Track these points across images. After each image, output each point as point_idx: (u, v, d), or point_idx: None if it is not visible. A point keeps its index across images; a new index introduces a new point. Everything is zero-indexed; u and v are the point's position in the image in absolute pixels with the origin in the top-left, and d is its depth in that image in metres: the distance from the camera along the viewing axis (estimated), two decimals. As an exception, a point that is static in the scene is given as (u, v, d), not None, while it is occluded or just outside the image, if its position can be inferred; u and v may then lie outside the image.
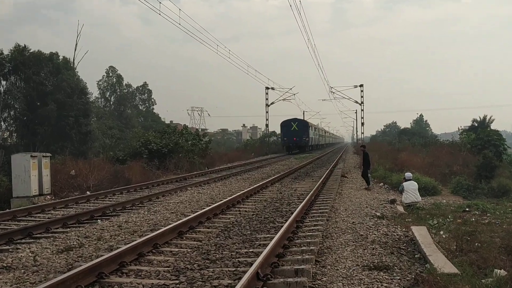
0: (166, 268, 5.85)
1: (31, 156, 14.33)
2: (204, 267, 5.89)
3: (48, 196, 14.47)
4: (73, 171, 16.74)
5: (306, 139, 46.67)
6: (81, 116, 37.78)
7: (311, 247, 6.67)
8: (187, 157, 25.13)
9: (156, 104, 72.75)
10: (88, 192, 14.73)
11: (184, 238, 7.71)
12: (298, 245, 6.97)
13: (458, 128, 48.91)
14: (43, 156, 14.86)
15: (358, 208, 11.01)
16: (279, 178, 18.15)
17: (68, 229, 8.80)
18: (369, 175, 16.76)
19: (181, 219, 8.93)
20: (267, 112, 51.68)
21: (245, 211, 10.52)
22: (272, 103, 52.14)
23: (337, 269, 5.93)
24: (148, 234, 7.31)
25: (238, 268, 5.72)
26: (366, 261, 6.25)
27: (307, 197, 11.35)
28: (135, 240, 6.98)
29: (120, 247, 6.42)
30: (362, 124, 49.61)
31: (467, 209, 12.25)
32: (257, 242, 7.21)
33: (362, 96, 48.77)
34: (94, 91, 63.08)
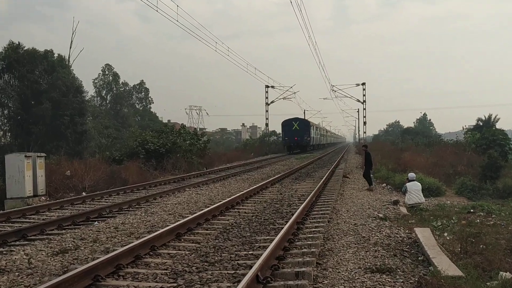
0: (163, 271, 5.85)
1: (25, 156, 14.32)
2: (202, 269, 5.89)
3: (43, 197, 14.46)
4: (69, 171, 16.73)
5: (308, 138, 46.75)
6: (77, 115, 37.75)
7: (312, 249, 6.68)
8: (185, 157, 25.14)
9: (153, 103, 72.82)
10: (83, 193, 14.73)
11: (182, 240, 7.71)
12: (299, 247, 6.98)
13: (463, 127, 49.02)
14: (37, 156, 14.85)
15: (360, 209, 11.02)
16: (279, 178, 18.15)
17: (64, 231, 8.81)
18: (371, 175, 16.77)
19: (179, 220, 8.94)
20: (267, 111, 51.77)
21: (245, 212, 10.53)
22: (272, 102, 52.23)
23: (339, 272, 5.93)
24: (145, 236, 7.31)
25: (238, 271, 5.72)
26: (369, 264, 6.25)
27: (308, 198, 11.35)
28: (132, 242, 6.97)
29: (116, 249, 6.42)
30: (364, 123, 49.66)
31: (471, 210, 12.24)
32: (257, 244, 7.22)
33: (364, 95, 48.82)
34: (89, 90, 63.30)
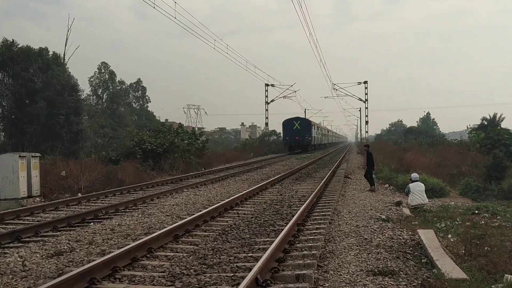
0: (161, 274, 5.85)
1: (20, 156, 14.30)
2: (200, 272, 5.89)
3: (38, 198, 14.45)
4: (64, 172, 16.72)
5: (309, 138, 46.88)
6: (72, 114, 37.75)
7: (313, 252, 6.67)
8: (183, 157, 25.14)
9: (150, 101, 72.81)
10: (79, 194, 14.72)
11: (180, 242, 7.71)
12: (299, 249, 6.98)
13: (467, 127, 49.14)
14: (32, 156, 14.84)
15: (362, 211, 11.02)
16: (279, 179, 18.16)
17: (59, 233, 8.80)
18: (373, 176, 16.78)
19: (176, 222, 8.94)
20: (266, 110, 51.71)
21: (244, 213, 10.53)
22: (272, 101, 52.15)
23: (340, 275, 5.93)
24: (142, 238, 7.31)
25: (237, 274, 5.72)
26: (371, 266, 6.25)
27: (309, 199, 11.36)
28: (129, 244, 6.97)
29: (112, 252, 6.42)
30: (366, 122, 49.56)
31: (476, 211, 12.25)
32: (256, 246, 7.22)
33: (366, 93, 48.75)
34: (85, 88, 63.07)
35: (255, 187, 14.67)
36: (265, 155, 42.09)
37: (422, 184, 13.08)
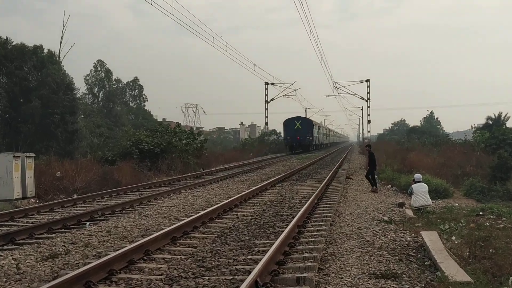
0: (158, 277, 5.85)
1: (14, 156, 14.29)
2: (199, 275, 5.89)
3: (32, 199, 14.44)
4: (59, 172, 16.71)
5: (310, 138, 47.02)
6: (67, 113, 37.74)
7: (314, 254, 6.68)
8: (181, 157, 25.14)
9: (147, 100, 72.90)
10: (74, 195, 14.72)
11: (178, 244, 7.71)
12: (300, 251, 6.98)
13: (472, 126, 49.15)
14: (26, 156, 14.82)
15: (364, 212, 11.03)
16: (279, 179, 18.17)
17: (54, 235, 8.80)
18: (375, 176, 16.78)
19: (174, 224, 8.94)
20: (266, 109, 51.88)
21: (243, 215, 10.53)
22: (272, 100, 52.32)
23: (342, 277, 5.93)
24: (139, 240, 7.31)
25: (236, 276, 5.72)
26: (373, 269, 6.26)
27: (310, 200, 11.36)
28: (125, 246, 6.97)
29: (109, 254, 6.42)
30: (369, 121, 49.70)
31: (481, 213, 12.25)
32: (256, 249, 7.22)
33: (368, 92, 48.89)
34: (81, 87, 63.15)
35: (254, 188, 14.67)
36: (265, 155, 42.10)
37: (426, 185, 13.08)
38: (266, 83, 50.34)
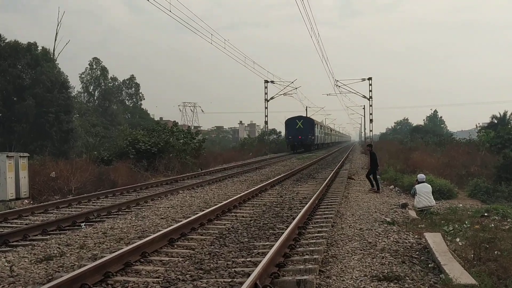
0: (155, 279, 5.85)
1: (7, 156, 14.28)
2: (197, 277, 5.89)
3: (26, 200, 14.44)
4: (54, 172, 16.71)
5: (312, 137, 47.27)
6: (62, 112, 37.72)
7: (315, 256, 6.68)
8: (179, 157, 25.14)
9: (144, 99, 72.93)
10: (69, 196, 14.72)
11: (175, 246, 7.72)
12: (300, 253, 6.98)
13: (476, 126, 49.15)
14: (20, 156, 14.81)
15: (366, 213, 11.03)
16: (279, 180, 18.17)
17: (48, 237, 8.79)
18: (378, 177, 16.79)
19: (172, 225, 8.93)
20: (266, 108, 51.85)
21: (242, 216, 10.53)
22: (271, 98, 52.29)
23: (343, 280, 5.93)
24: (135, 242, 7.30)
25: (235, 279, 5.72)
26: (375, 271, 6.26)
27: (310, 201, 11.37)
28: (122, 248, 6.98)
29: (105, 256, 6.42)
30: (371, 121, 49.73)
31: (485, 214, 12.27)
32: (256, 251, 7.22)
33: (370, 90, 48.91)
34: (76, 85, 63.16)
35: (254, 188, 14.67)
36: (265, 155, 42.12)
37: (429, 186, 13.09)
38: (266, 81, 50.33)
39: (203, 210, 10.56)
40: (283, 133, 59.54)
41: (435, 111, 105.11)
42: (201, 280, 5.77)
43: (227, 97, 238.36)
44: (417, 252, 7.31)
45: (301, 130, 46.69)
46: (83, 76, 64.91)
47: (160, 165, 22.89)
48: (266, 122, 53.72)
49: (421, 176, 13.47)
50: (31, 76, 37.82)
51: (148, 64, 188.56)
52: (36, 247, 7.88)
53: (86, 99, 64.82)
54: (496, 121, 44.28)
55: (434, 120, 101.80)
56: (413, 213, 11.69)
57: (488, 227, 10.08)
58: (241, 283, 5.21)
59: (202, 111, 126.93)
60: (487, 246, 7.83)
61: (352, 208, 11.88)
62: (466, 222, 10.52)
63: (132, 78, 71.12)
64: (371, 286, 5.67)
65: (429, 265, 6.58)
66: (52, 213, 11.72)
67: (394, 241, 8.07)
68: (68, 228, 9.62)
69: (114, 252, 6.68)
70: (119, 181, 17.58)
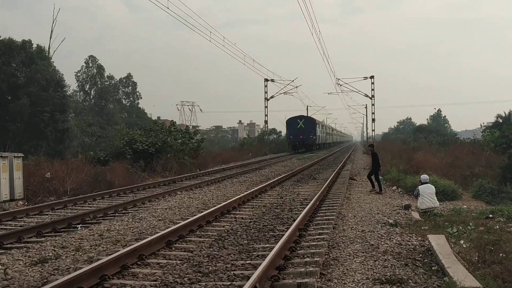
0: (152, 282, 5.85)
1: (1, 156, 14.28)
2: (195, 281, 5.89)
3: (20, 202, 14.43)
4: (49, 173, 16.71)
5: (313, 137, 47.43)
6: (57, 111, 37.73)
7: (316, 259, 6.68)
8: (177, 157, 25.15)
9: (141, 98, 72.86)
10: (65, 197, 14.71)
11: (173, 248, 7.72)
12: (301, 256, 6.99)
13: (481, 125, 49.04)
14: (14, 157, 14.81)
15: (368, 215, 11.04)
16: (279, 181, 18.18)
17: (43, 239, 8.79)
18: (380, 177, 16.80)
19: (169, 227, 8.93)
20: (266, 107, 51.79)
21: (242, 218, 10.54)
22: (272, 97, 52.24)
23: (345, 283, 5.94)
24: (132, 244, 7.31)
25: (234, 282, 5.73)
26: (378, 274, 6.26)
27: (311, 202, 11.37)
28: (118, 250, 6.98)
29: (101, 259, 6.42)
30: (373, 120, 49.63)
31: (490, 215, 12.26)
32: (255, 253, 7.23)
33: (372, 89, 48.81)
34: (72, 84, 63.27)
35: (253, 189, 14.67)
36: (265, 155, 42.13)
37: (433, 186, 13.08)
38: (266, 80, 50.30)
39: (202, 212, 10.56)
40: (283, 133, 59.59)
41: (439, 110, 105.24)
42: (199, 283, 5.78)
43: (226, 96, 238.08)
44: (421, 255, 7.31)
45: (303, 130, 46.84)
46: (79, 74, 64.93)
47: (157, 165, 22.89)
48: (266, 122, 53.70)
49: (424, 176, 13.46)
50: (25, 74, 37.82)
51: (145, 62, 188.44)
52: (31, 250, 7.88)
53: (82, 98, 64.80)
54: (501, 121, 44.19)
55: (438, 119, 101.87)
56: (416, 215, 11.69)
57: (493, 229, 10.06)
58: (241, 287, 5.22)
59: (201, 110, 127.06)
60: (492, 248, 7.82)
61: (354, 209, 11.88)
62: (471, 224, 10.52)
63: (129, 76, 71.10)
64: (373, 290, 5.67)
65: (433, 268, 6.58)
66: (47, 214, 11.72)
67: (397, 243, 8.07)
68: (63, 230, 9.62)
69: (110, 254, 6.68)
70: (115, 182, 17.58)
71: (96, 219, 10.74)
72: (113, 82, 69.11)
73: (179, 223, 9.19)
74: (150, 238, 7.56)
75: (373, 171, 16.58)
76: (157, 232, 8.42)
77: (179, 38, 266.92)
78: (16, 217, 11.11)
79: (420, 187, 12.88)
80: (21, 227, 9.67)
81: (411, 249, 7.65)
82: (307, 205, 11.10)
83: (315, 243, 7.74)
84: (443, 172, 21.26)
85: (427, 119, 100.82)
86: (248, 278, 5.48)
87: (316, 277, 5.96)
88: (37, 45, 40.39)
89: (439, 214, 12.30)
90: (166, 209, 12.11)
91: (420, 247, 7.79)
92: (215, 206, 11.38)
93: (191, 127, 59.12)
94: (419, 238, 8.47)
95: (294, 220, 9.24)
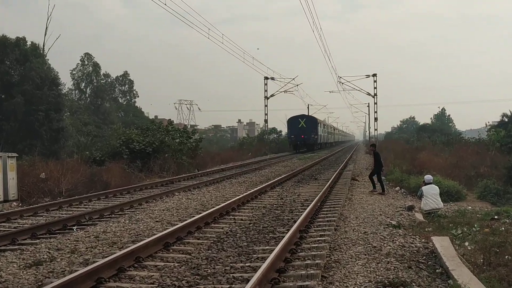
0: (150, 285, 5.85)
1: (-5, 156, 14.28)
2: (194, 284, 5.89)
3: (15, 203, 14.43)
4: (43, 173, 16.70)
5: (315, 136, 47.49)
6: (52, 110, 37.73)
7: (317, 261, 6.68)
8: (174, 157, 25.15)
9: (138, 96, 72.89)
10: (60, 198, 14.71)
11: (171, 250, 7.71)
12: (302, 258, 6.99)
13: (486, 124, 49.05)
14: (8, 157, 14.81)
15: (371, 216, 11.04)
16: (280, 181, 18.17)
17: (38, 241, 8.78)
18: (382, 178, 16.80)
19: (167, 228, 8.93)
20: (266, 105, 51.86)
21: (241, 219, 10.54)
22: (272, 96, 52.31)
23: (347, 286, 5.94)
24: (129, 246, 7.31)
25: (233, 285, 5.73)
26: (380, 277, 6.26)
27: (312, 203, 11.37)
28: (115, 253, 6.98)
29: (97, 261, 6.42)
30: (375, 119, 49.72)
31: (495, 216, 12.28)
32: (255, 255, 7.22)
33: (375, 87, 48.91)
34: (67, 82, 63.11)
35: (253, 190, 14.67)
36: (265, 155, 42.13)
37: (437, 187, 13.09)
38: (266, 78, 50.31)
39: (200, 213, 10.56)
40: (283, 132, 59.61)
41: (443, 109, 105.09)
42: (198, 286, 5.78)
43: (225, 94, 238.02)
44: (424, 257, 7.31)
45: (304, 129, 46.88)
46: (74, 72, 64.90)
47: (155, 165, 22.89)
48: (266, 121, 53.74)
49: (428, 177, 13.48)
50: (19, 72, 37.81)
51: (142, 60, 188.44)
52: (25, 252, 7.87)
53: (77, 96, 64.79)
54: (506, 120, 44.18)
55: (442, 118, 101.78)
56: (420, 216, 11.69)
57: (498, 231, 10.08)
58: (240, 290, 5.21)
59: (199, 109, 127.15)
60: (497, 250, 7.83)
61: (356, 210, 11.89)
62: (475, 226, 10.53)
63: (125, 74, 71.11)
64: (376, 293, 5.68)
65: (437, 271, 6.59)
66: (42, 216, 11.71)
67: (400, 245, 8.07)
68: (58, 231, 9.61)
69: (106, 257, 6.68)
70: (112, 183, 17.58)
71: (92, 221, 10.73)
72: (109, 80, 69.15)
73: (177, 224, 9.19)
74: (147, 240, 7.56)
75: (375, 171, 16.61)
76: (154, 234, 8.42)
77: (177, 35, 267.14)
78: (10, 219, 11.11)
79: (424, 188, 12.90)
80: (15, 229, 9.66)
81: (415, 251, 7.66)
82: (308, 206, 11.10)
83: (316, 245, 7.73)
84: (447, 173, 21.29)
85: (431, 118, 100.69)
86: (248, 280, 5.49)
87: (317, 279, 5.96)
88: (32, 42, 40.48)
89: (443, 216, 12.32)
90: (163, 210, 12.11)
91: (423, 249, 7.80)
92: (213, 207, 11.38)
93: (189, 126, 59.13)
94: (423, 240, 8.47)
95: (294, 222, 9.24)
